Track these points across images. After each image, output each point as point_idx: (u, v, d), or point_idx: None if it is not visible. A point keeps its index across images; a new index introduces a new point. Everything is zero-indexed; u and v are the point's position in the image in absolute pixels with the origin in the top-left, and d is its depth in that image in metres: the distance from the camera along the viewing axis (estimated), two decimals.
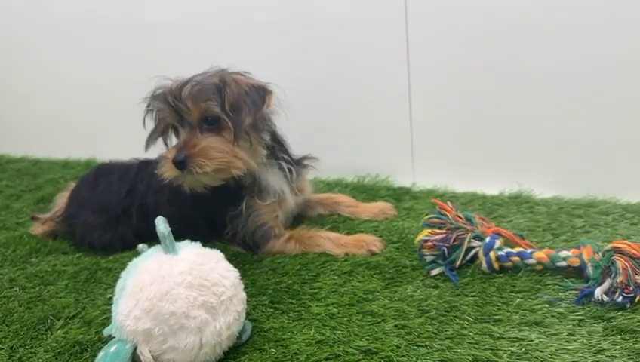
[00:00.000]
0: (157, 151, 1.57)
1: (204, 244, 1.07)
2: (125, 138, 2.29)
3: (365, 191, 1.66)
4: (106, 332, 1.03)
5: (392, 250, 1.31)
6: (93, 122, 2.36)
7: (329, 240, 1.34)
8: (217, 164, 1.21)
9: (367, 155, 1.77)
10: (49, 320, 1.17)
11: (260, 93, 1.28)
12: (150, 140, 1.30)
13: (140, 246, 1.07)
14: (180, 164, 1.19)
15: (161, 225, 0.98)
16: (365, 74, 1.71)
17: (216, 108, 1.20)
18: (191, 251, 0.99)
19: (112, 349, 0.94)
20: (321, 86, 1.79)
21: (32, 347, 1.10)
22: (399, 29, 1.62)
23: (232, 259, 1.30)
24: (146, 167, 1.50)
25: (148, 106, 1.29)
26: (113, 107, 2.29)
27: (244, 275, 1.10)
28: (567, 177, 1.53)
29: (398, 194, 1.63)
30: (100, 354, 0.95)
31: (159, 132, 1.29)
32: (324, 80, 1.78)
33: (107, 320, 1.14)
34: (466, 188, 1.62)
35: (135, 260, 1.01)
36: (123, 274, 1.01)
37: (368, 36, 1.67)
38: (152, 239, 1.45)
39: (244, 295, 1.02)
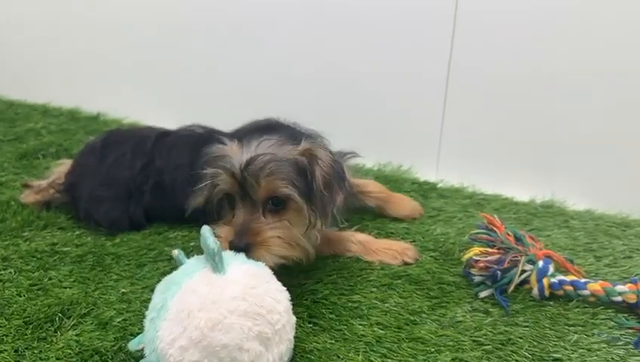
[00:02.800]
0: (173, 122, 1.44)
1: None
2: (114, 88, 2.11)
3: (388, 182, 1.56)
4: (132, 346, 0.93)
5: (429, 259, 1.23)
6: (80, 66, 2.13)
7: (360, 246, 1.25)
8: (278, 257, 1.05)
9: (392, 142, 1.67)
10: (57, 318, 1.05)
11: (339, 164, 1.16)
12: (194, 204, 1.13)
13: (176, 252, 0.95)
14: (238, 250, 1.00)
15: (210, 238, 0.86)
16: (405, 56, 1.59)
17: (289, 190, 1.05)
18: (240, 269, 0.89)
19: None
20: (355, 64, 1.67)
21: (40, 351, 0.98)
22: (446, 18, 1.50)
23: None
24: (163, 139, 1.37)
25: (207, 175, 1.10)
26: (104, 52, 2.07)
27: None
28: (598, 189, 1.48)
29: (424, 190, 1.54)
30: None
31: (213, 202, 1.11)
32: (361, 59, 1.66)
33: (125, 323, 1.04)
34: (492, 190, 1.55)
35: (175, 274, 0.89)
36: (160, 288, 0.90)
37: (414, 21, 1.55)
38: (162, 221, 1.34)
39: (294, 319, 0.92)
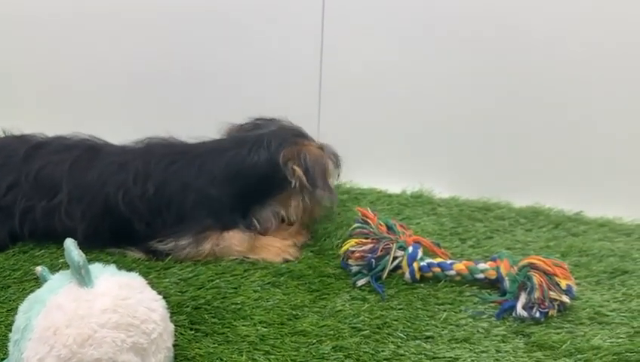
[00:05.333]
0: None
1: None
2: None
3: None
4: None
5: (310, 255, 1.26)
6: None
7: (241, 245, 1.25)
8: None
9: None
10: None
11: None
12: None
13: (39, 269, 0.89)
14: None
15: (74, 251, 0.81)
16: (276, 57, 1.62)
17: None
18: (110, 281, 0.85)
19: None
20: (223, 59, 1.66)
21: None
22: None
23: (132, 267, 1.18)
24: (35, 154, 1.25)
25: None
26: None
27: (152, 288, 0.97)
28: (462, 178, 1.60)
29: None
30: None
31: None
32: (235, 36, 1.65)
33: None
34: (368, 185, 1.62)
35: (38, 292, 0.84)
36: (23, 308, 0.84)
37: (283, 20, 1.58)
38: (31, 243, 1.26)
39: (172, 327, 0.90)
